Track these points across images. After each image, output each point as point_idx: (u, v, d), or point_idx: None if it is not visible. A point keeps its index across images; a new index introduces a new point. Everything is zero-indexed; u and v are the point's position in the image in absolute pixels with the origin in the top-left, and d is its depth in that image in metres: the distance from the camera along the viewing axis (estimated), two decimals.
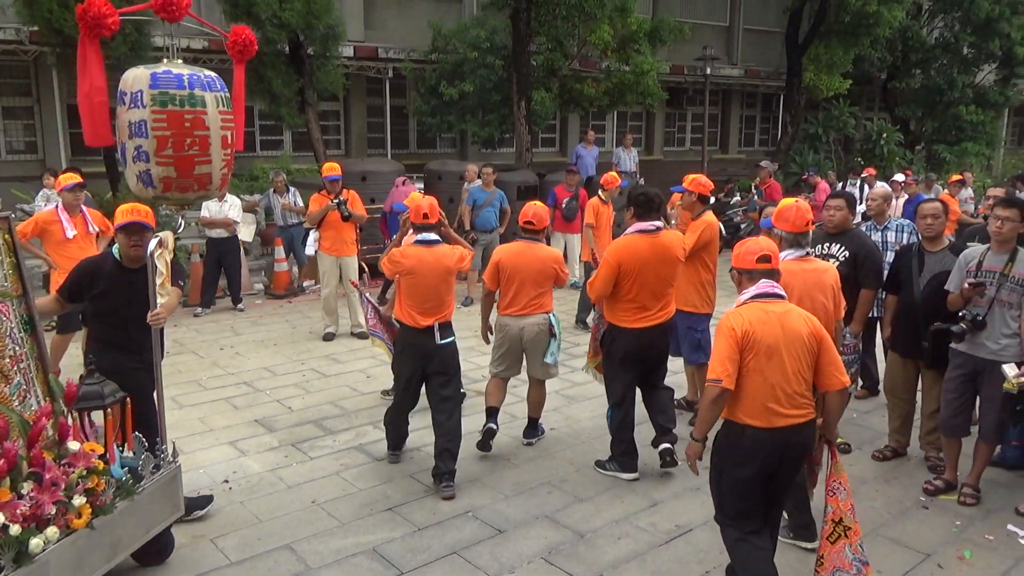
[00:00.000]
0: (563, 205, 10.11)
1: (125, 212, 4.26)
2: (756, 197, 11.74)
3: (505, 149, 15.87)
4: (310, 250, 9.55)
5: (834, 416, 3.68)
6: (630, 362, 5.04)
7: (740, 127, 22.37)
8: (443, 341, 4.92)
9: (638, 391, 5.23)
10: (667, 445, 5.13)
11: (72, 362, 6.91)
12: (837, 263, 5.33)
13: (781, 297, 3.60)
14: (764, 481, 3.52)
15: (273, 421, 6.03)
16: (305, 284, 10.91)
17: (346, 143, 16.53)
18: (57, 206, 6.62)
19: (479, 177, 10.59)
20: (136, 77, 3.72)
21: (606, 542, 4.32)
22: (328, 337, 8.37)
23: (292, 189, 10.67)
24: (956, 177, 12.62)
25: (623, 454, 5.15)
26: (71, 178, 6.68)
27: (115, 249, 4.38)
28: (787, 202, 4.68)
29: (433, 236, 5.01)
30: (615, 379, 5.13)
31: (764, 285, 3.59)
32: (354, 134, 16.41)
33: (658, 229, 4.99)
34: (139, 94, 3.63)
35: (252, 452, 5.47)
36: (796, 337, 3.46)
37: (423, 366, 4.93)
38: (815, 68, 18.19)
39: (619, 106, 15.98)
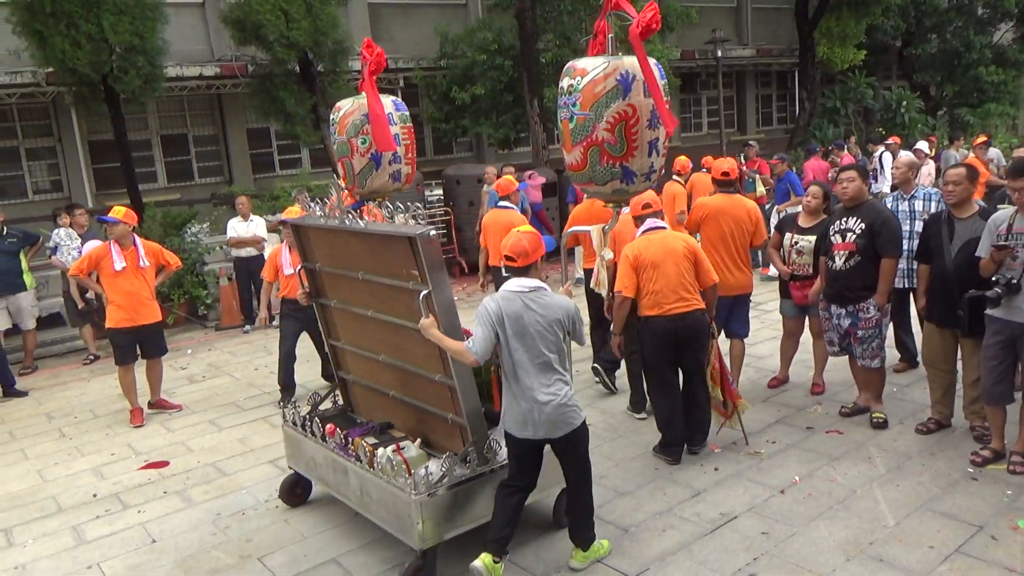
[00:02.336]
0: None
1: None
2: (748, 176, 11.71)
3: (522, 148, 15.86)
4: None
5: (710, 302, 5.21)
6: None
7: (756, 107, 22.13)
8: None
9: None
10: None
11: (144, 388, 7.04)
12: (855, 236, 5.27)
13: (662, 228, 5.19)
14: (672, 353, 5.06)
15: None
16: None
17: None
18: (110, 240, 6.70)
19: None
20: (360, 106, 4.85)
21: (651, 535, 4.30)
22: None
23: (313, 205, 10.73)
24: (981, 139, 12.37)
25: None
26: (114, 214, 6.72)
27: None
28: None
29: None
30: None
31: (649, 222, 5.20)
32: None
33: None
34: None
35: None
36: (673, 252, 5.01)
37: None
38: (828, 41, 17.94)
39: None
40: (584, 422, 3.89)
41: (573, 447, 3.87)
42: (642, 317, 5.11)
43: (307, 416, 4.79)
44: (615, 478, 5.01)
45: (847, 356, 5.67)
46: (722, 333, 6.04)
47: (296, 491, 4.94)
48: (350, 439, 4.41)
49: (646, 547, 4.18)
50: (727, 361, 5.81)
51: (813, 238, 5.79)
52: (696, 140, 20.37)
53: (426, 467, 3.92)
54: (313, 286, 4.99)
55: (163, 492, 5.31)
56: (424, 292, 3.75)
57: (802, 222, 5.98)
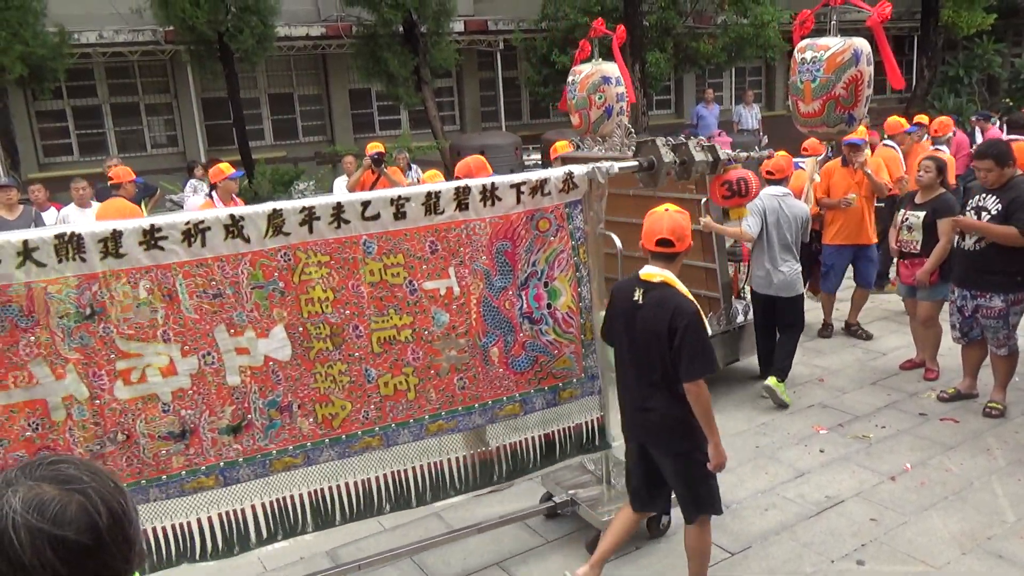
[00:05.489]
0: None
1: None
2: None
3: None
4: None
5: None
6: None
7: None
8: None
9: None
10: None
11: None
12: (989, 217, 4.96)
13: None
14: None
15: None
16: None
17: (461, 118, 16.72)
18: (212, 195, 6.98)
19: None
20: None
21: (752, 513, 4.24)
22: None
23: (414, 167, 10.89)
24: None
25: None
26: (230, 168, 7.06)
27: None
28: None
29: None
30: None
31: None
32: (468, 108, 16.57)
33: None
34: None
35: None
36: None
37: None
38: (954, 4, 16.79)
39: (738, 62, 15.36)
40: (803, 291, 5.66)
41: (794, 305, 5.58)
42: None
43: None
44: None
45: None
46: None
47: None
48: None
49: (748, 525, 4.13)
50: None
51: (922, 214, 5.56)
52: None
53: None
54: None
55: None
56: (704, 199, 5.05)
57: (917, 198, 5.70)
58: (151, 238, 2.84)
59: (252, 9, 10.85)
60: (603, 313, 3.65)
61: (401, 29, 12.68)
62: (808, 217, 5.66)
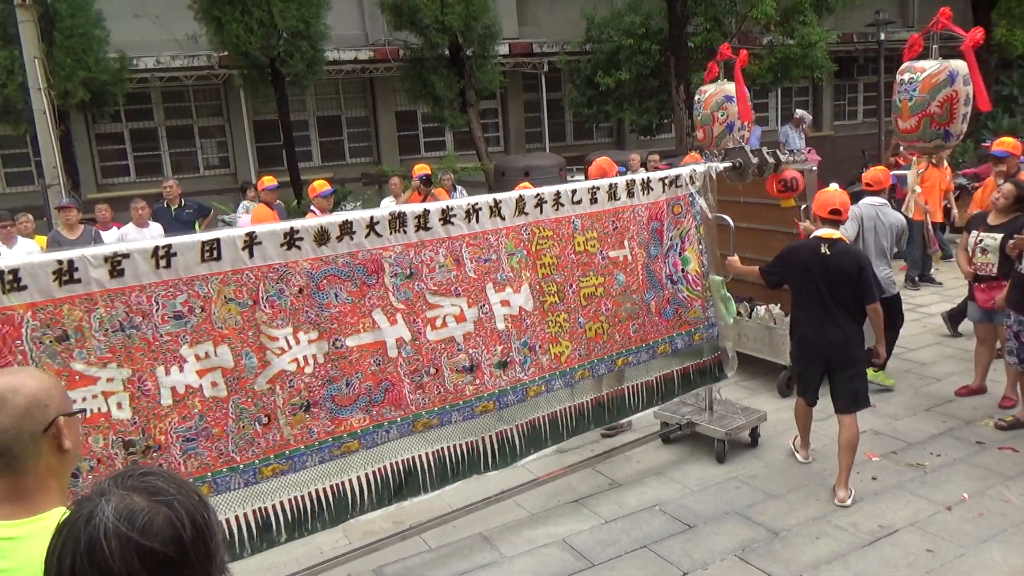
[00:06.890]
0: None
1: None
2: None
3: (663, 135, 15.57)
4: None
5: None
6: None
7: None
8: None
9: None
10: None
11: None
12: None
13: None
14: None
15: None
16: None
17: (505, 139, 16.85)
18: (313, 209, 7.30)
19: (643, 166, 10.49)
20: None
21: (803, 541, 4.16)
22: None
23: (459, 188, 11.00)
24: None
25: None
26: (324, 185, 7.33)
27: None
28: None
29: None
30: None
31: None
32: (512, 130, 16.70)
33: None
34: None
35: None
36: None
37: None
38: (1007, 23, 16.46)
39: (784, 82, 15.24)
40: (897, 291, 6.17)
41: (891, 304, 5.77)
42: None
43: None
44: (764, 479, 4.88)
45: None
46: None
47: None
48: None
49: (798, 553, 4.05)
50: None
51: (999, 236, 5.39)
52: (850, 129, 19.31)
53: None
54: None
55: None
56: (804, 205, 5.67)
57: (991, 219, 5.55)
58: (446, 216, 3.73)
59: (303, 34, 11.12)
60: (716, 276, 4.92)
61: (447, 52, 12.87)
62: (904, 226, 6.05)
